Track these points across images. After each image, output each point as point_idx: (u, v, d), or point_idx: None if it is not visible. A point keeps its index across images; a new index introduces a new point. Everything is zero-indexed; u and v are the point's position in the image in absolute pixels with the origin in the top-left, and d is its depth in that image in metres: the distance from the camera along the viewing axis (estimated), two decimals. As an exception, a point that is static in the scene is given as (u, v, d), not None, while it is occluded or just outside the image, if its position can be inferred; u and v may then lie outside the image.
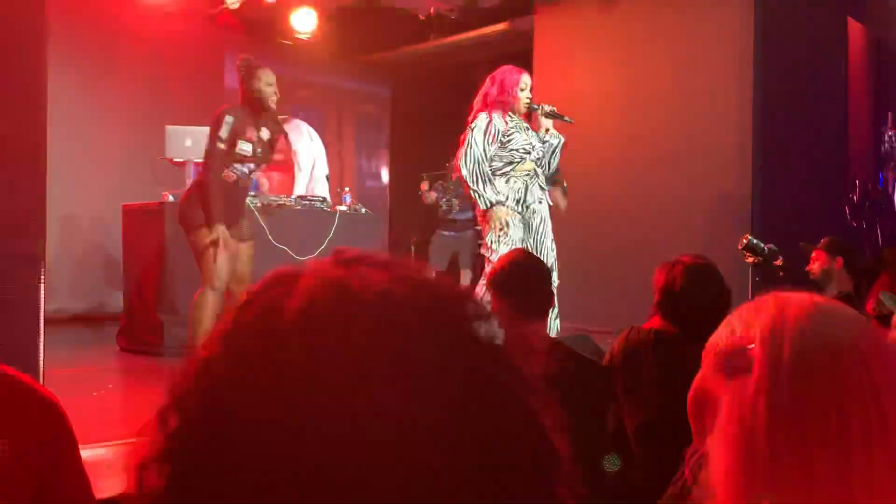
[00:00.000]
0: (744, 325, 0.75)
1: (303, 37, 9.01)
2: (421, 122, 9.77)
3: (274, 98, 4.08)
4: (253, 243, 4.30)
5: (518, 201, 3.74)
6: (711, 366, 0.77)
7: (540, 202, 3.85)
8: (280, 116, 4.42)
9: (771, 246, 3.21)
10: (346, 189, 6.70)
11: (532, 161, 3.82)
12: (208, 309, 3.90)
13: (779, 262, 3.20)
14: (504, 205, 3.72)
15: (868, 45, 8.41)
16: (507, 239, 3.68)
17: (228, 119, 3.96)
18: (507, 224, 3.71)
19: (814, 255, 3.38)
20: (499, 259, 2.59)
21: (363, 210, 6.65)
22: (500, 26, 9.17)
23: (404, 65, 10.35)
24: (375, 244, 6.76)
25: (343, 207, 6.34)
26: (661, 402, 2.03)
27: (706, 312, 2.13)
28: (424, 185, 7.84)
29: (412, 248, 9.77)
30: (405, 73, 10.41)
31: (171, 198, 5.31)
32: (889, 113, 9.14)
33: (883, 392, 0.67)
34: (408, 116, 10.25)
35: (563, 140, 3.93)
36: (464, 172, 3.75)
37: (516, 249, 3.24)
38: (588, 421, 1.94)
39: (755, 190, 6.15)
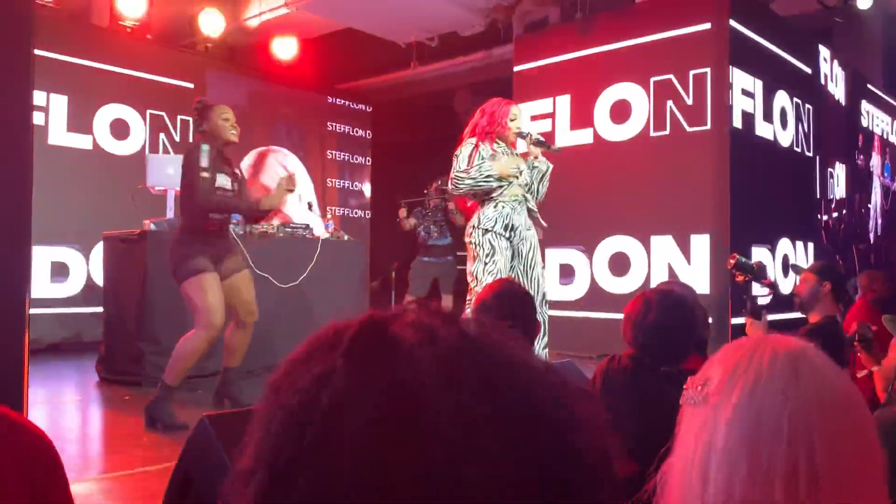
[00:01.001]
0: (716, 361, 0.79)
1: (284, 63, 9.07)
2: (401, 149, 9.83)
3: (233, 132, 4.04)
4: (248, 271, 4.29)
5: (506, 227, 3.78)
6: (682, 394, 0.81)
7: (529, 229, 3.88)
8: (262, 149, 4.43)
9: (759, 262, 3.28)
10: (329, 216, 6.71)
11: (520, 186, 3.87)
12: (199, 350, 3.87)
13: (767, 281, 3.26)
14: (492, 231, 3.77)
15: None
16: (492, 268, 3.71)
17: (204, 147, 3.88)
18: (494, 250, 3.74)
19: (803, 276, 3.44)
20: (484, 288, 2.61)
21: (346, 237, 6.66)
22: (480, 55, 9.30)
23: (385, 92, 10.44)
24: (357, 271, 6.77)
25: (326, 235, 6.35)
26: (638, 430, 2.06)
27: (676, 345, 2.16)
28: (402, 212, 7.87)
29: (393, 273, 9.79)
30: (386, 100, 10.49)
31: (152, 226, 5.29)
32: (860, 135, 9.36)
33: (818, 451, 0.68)
34: (388, 143, 10.31)
35: (550, 167, 4.00)
36: (462, 192, 3.84)
37: (501, 279, 3.27)
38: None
39: (733, 212, 6.25)
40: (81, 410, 4.55)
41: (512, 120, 3.92)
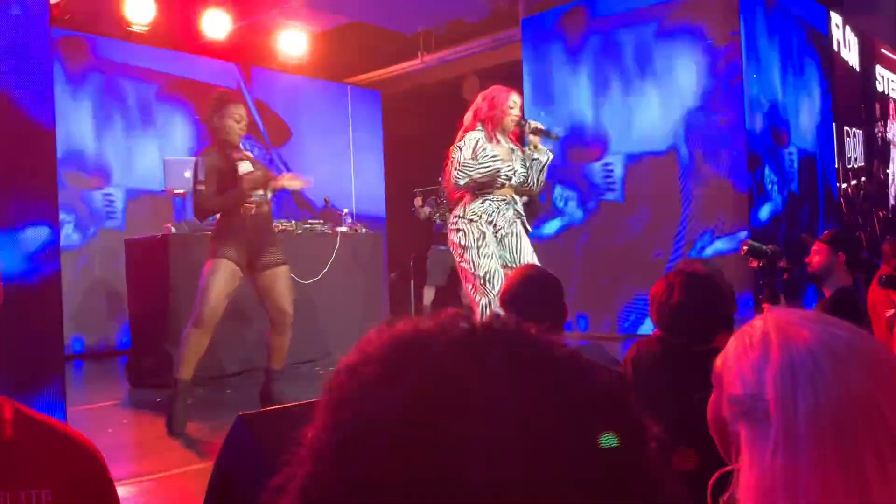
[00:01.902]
0: (755, 371, 0.77)
1: (292, 60, 9.07)
2: (413, 138, 9.81)
3: (240, 134, 4.00)
4: (286, 267, 4.17)
5: (489, 222, 3.83)
6: (728, 407, 0.79)
7: (512, 224, 3.88)
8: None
9: (773, 247, 3.23)
10: (346, 210, 6.73)
11: (512, 186, 3.88)
12: (195, 345, 3.82)
13: (783, 264, 3.21)
14: (477, 222, 3.80)
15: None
16: (487, 251, 3.75)
17: (199, 161, 3.93)
18: (484, 234, 3.78)
19: (815, 247, 3.36)
20: (511, 275, 2.62)
21: (363, 230, 6.68)
22: (486, 40, 9.24)
23: (394, 82, 10.42)
24: (376, 263, 6.78)
25: (343, 229, 6.37)
26: (676, 413, 2.06)
27: (702, 323, 2.15)
28: (418, 201, 7.87)
29: (411, 263, 9.80)
30: (396, 91, 10.47)
31: (173, 230, 5.33)
32: (876, 104, 9.24)
33: None
34: (400, 133, 10.29)
35: (550, 156, 3.96)
36: (464, 184, 3.81)
37: (527, 265, 3.26)
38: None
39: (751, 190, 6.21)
40: (114, 415, 4.61)
41: (511, 108, 3.89)
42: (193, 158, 4.21)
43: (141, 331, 5.41)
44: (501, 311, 3.81)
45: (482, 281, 3.79)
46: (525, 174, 3.89)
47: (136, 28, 7.50)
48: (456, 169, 3.77)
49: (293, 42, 9.04)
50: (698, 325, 2.16)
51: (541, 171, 3.92)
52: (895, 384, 0.73)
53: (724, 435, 0.82)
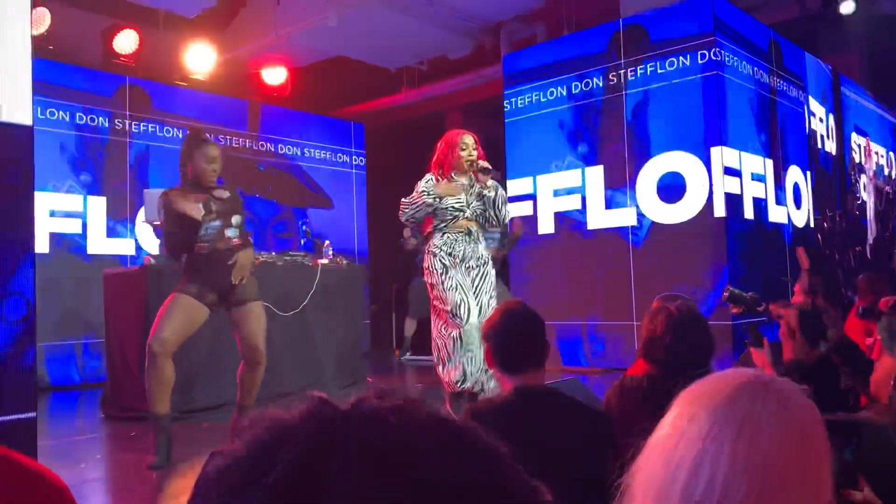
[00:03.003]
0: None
1: (275, 92, 9.13)
2: (396, 171, 9.85)
3: (212, 176, 3.92)
4: (258, 303, 4.04)
5: (450, 253, 4.05)
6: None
7: (482, 263, 4.12)
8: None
9: (752, 294, 3.26)
10: (327, 242, 6.72)
11: (467, 219, 4.10)
12: (154, 372, 3.71)
13: (762, 309, 3.23)
14: (439, 256, 4.05)
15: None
16: (450, 283, 3.98)
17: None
18: (446, 268, 4.02)
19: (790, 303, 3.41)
20: (494, 310, 2.62)
21: (345, 262, 6.67)
22: (469, 76, 9.36)
23: (378, 116, 10.50)
24: (357, 296, 6.76)
25: (325, 261, 6.36)
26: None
27: (688, 360, 2.17)
28: (407, 231, 7.95)
29: (392, 295, 9.78)
30: (379, 125, 10.54)
31: (152, 261, 5.29)
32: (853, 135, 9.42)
33: None
34: (382, 166, 10.34)
35: (500, 191, 4.16)
36: (405, 217, 4.16)
37: (511, 301, 3.28)
38: (589, 467, 1.96)
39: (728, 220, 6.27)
40: (88, 449, 4.52)
41: (462, 149, 4.13)
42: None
43: (117, 363, 5.34)
44: (474, 343, 3.88)
45: (451, 314, 3.92)
46: (482, 207, 4.13)
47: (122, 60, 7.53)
48: (400, 208, 4.15)
49: (274, 74, 9.12)
50: (687, 356, 2.17)
51: (494, 205, 4.13)
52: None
53: None
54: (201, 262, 3.86)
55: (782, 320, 2.27)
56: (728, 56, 6.64)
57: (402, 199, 4.13)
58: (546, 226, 7.48)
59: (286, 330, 5.68)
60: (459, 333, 3.93)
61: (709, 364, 2.25)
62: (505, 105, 7.89)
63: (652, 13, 6.93)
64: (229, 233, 3.93)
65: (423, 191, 4.07)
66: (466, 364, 3.92)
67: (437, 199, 4.04)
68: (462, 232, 4.08)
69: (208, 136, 4.20)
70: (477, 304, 4.02)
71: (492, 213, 4.14)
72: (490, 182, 4.10)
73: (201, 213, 3.81)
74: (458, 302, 3.94)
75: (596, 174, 7.17)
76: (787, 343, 2.29)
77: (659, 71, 6.84)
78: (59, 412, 6.01)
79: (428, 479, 0.40)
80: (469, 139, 4.18)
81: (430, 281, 4.08)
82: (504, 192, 4.20)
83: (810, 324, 2.26)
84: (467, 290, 4.00)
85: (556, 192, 7.44)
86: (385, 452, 0.41)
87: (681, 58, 6.69)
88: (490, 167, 4.13)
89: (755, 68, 7.12)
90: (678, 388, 2.12)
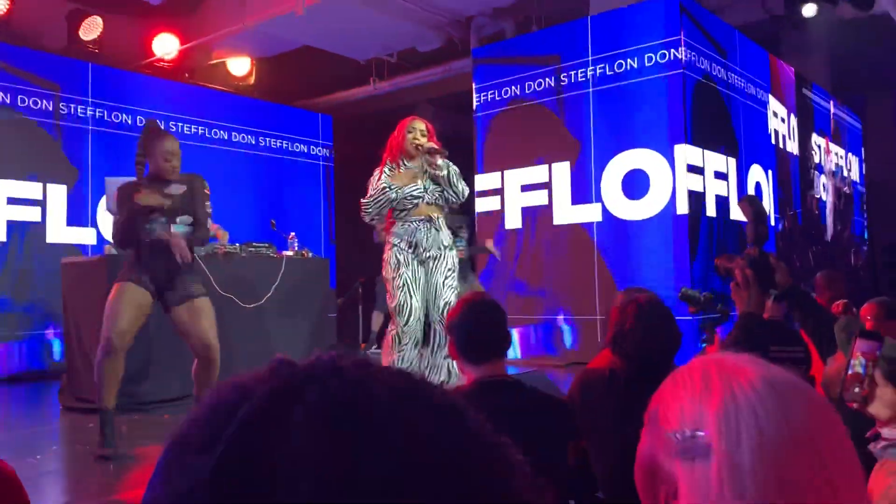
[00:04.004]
0: (695, 404, 0.74)
1: (240, 81, 9.04)
2: (364, 163, 9.80)
3: (171, 170, 3.83)
4: (205, 298, 3.92)
5: (410, 244, 3.97)
6: (663, 445, 0.76)
7: (444, 248, 4.03)
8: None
9: (707, 294, 3.27)
10: (292, 234, 6.66)
11: (428, 204, 4.01)
12: (105, 367, 3.63)
13: (718, 308, 3.24)
14: (397, 246, 3.98)
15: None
16: (399, 282, 3.93)
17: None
18: (399, 263, 3.95)
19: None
20: (457, 302, 2.62)
21: (310, 254, 6.62)
22: (439, 69, 9.35)
23: (346, 107, 10.43)
24: (323, 288, 6.72)
25: (289, 253, 6.31)
26: (622, 444, 2.08)
27: (655, 353, 2.20)
28: (379, 226, 7.88)
29: (359, 289, 9.74)
30: (347, 116, 10.48)
31: (113, 251, 5.20)
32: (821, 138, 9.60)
33: (837, 477, 0.68)
34: (351, 158, 10.29)
35: (451, 167, 4.05)
36: (370, 216, 4.07)
37: (472, 292, 3.28)
38: (549, 456, 1.98)
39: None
40: (44, 439, 4.43)
41: (409, 132, 4.06)
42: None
43: (76, 353, 5.24)
44: (407, 344, 3.87)
45: (393, 311, 3.90)
46: (439, 190, 4.03)
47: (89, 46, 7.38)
48: (362, 207, 4.04)
49: (239, 65, 9.03)
50: (649, 355, 2.19)
51: (449, 182, 4.03)
52: (832, 426, 0.72)
53: (653, 480, 0.77)
54: (145, 253, 3.77)
55: (735, 272, 2.27)
56: (693, 55, 6.73)
57: (362, 200, 4.02)
58: (513, 221, 7.52)
59: (249, 322, 5.63)
60: (397, 332, 3.92)
61: (672, 357, 2.27)
62: (475, 99, 7.91)
63: (620, 11, 6.99)
64: (177, 229, 3.82)
65: (385, 186, 3.97)
66: (397, 361, 3.87)
67: (399, 191, 3.96)
68: (422, 219, 4.00)
69: (162, 127, 4.06)
70: (432, 287, 3.97)
71: (449, 192, 4.03)
72: (440, 161, 4.00)
73: (155, 203, 3.74)
74: (402, 302, 3.89)
75: (562, 170, 7.22)
76: (738, 296, 2.29)
77: (625, 68, 6.90)
78: (18, 403, 5.89)
79: (390, 431, 0.40)
80: (419, 124, 4.10)
81: (384, 274, 4.04)
82: (456, 168, 4.07)
83: (759, 270, 2.26)
84: (415, 289, 3.94)
85: (524, 187, 7.48)
86: (349, 403, 0.40)
87: (647, 56, 6.76)
88: (437, 147, 4.02)
89: (719, 68, 7.22)
90: (642, 380, 2.15)
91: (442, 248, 4.03)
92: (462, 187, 4.08)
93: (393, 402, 0.41)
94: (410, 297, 3.91)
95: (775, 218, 8.24)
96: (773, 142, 8.42)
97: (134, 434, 4.20)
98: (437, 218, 4.05)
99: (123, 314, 3.67)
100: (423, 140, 4.05)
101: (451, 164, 4.07)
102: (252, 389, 0.41)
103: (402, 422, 0.40)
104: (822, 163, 10.03)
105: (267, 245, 6.18)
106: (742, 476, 0.68)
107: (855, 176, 11.52)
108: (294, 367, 0.43)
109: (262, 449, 0.38)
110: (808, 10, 8.33)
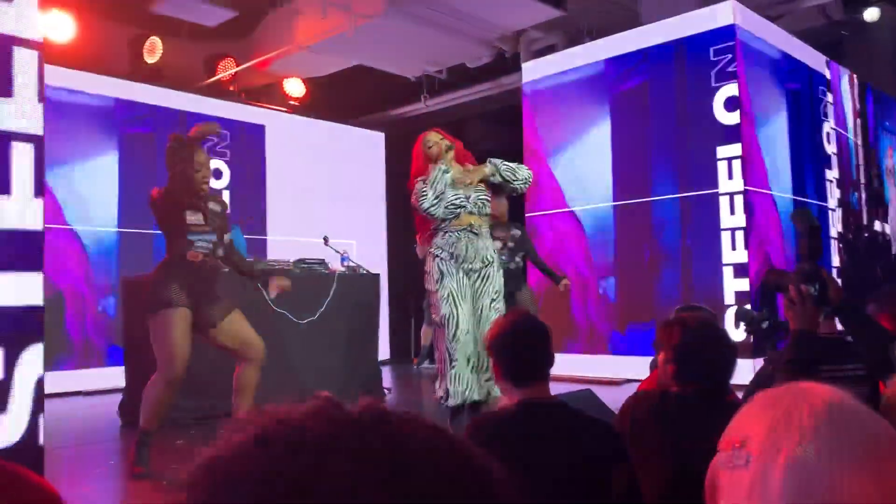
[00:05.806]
0: (752, 419, 0.73)
1: (295, 102, 9.20)
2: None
3: (202, 183, 3.76)
4: (237, 310, 3.88)
5: (451, 254, 3.85)
6: (718, 454, 0.76)
7: (487, 264, 3.89)
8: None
9: (759, 312, 3.16)
10: (345, 251, 6.71)
11: (469, 213, 3.90)
12: (162, 396, 3.62)
13: (765, 326, 3.12)
14: (439, 257, 3.86)
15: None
16: (443, 292, 3.79)
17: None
18: (442, 275, 3.83)
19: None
20: (499, 322, 2.59)
21: (363, 271, 6.64)
22: (488, 84, 9.35)
23: (398, 124, 10.51)
24: (374, 303, 6.74)
25: (342, 269, 6.35)
26: (675, 468, 2.00)
27: (702, 377, 2.11)
28: (419, 238, 7.89)
29: (411, 305, 9.77)
30: (399, 133, 10.56)
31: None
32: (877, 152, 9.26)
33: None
34: (403, 174, 10.37)
35: (500, 164, 3.95)
36: (425, 207, 3.91)
37: (516, 310, 3.23)
38: (595, 480, 1.92)
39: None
40: (102, 455, 4.54)
41: (429, 147, 4.02)
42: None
43: (134, 369, 5.37)
44: (460, 360, 3.77)
45: (440, 324, 3.79)
46: (485, 200, 3.93)
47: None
48: (415, 195, 3.95)
49: (293, 86, 9.19)
50: (704, 374, 2.10)
51: (505, 179, 3.94)
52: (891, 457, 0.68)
53: (712, 498, 0.77)
54: (190, 272, 3.70)
55: (789, 287, 2.16)
56: (750, 70, 6.57)
57: (416, 191, 3.95)
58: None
59: (302, 338, 5.68)
60: (447, 347, 3.78)
61: (726, 380, 2.18)
62: (525, 114, 7.87)
63: (675, 21, 6.88)
64: (220, 251, 3.85)
65: (440, 168, 3.90)
66: (450, 381, 3.74)
67: (445, 186, 3.87)
68: (464, 228, 3.88)
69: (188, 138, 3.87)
70: (477, 310, 3.84)
71: (516, 184, 3.95)
72: (487, 168, 3.92)
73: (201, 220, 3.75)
74: (447, 313, 3.77)
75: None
76: (791, 312, 2.18)
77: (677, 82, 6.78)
78: (76, 417, 6.06)
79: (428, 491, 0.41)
80: (432, 135, 4.07)
81: (427, 286, 3.93)
82: (499, 161, 3.96)
83: (810, 284, 2.15)
84: (461, 300, 3.80)
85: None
86: (391, 459, 0.41)
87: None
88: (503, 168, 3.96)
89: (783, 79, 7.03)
90: (695, 404, 2.06)
91: (486, 261, 3.91)
92: (523, 173, 3.98)
93: (433, 462, 0.42)
94: (456, 307, 3.78)
95: (841, 231, 7.95)
96: (840, 145, 8.14)
97: (186, 451, 4.25)
98: (480, 226, 3.94)
99: (182, 343, 3.62)
100: (446, 142, 4.01)
101: (493, 160, 3.97)
102: (301, 431, 0.43)
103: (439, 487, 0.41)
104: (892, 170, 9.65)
105: (320, 261, 6.24)
106: (768, 493, 0.67)
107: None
108: (342, 412, 0.45)
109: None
110: (871, 14, 8.05)
